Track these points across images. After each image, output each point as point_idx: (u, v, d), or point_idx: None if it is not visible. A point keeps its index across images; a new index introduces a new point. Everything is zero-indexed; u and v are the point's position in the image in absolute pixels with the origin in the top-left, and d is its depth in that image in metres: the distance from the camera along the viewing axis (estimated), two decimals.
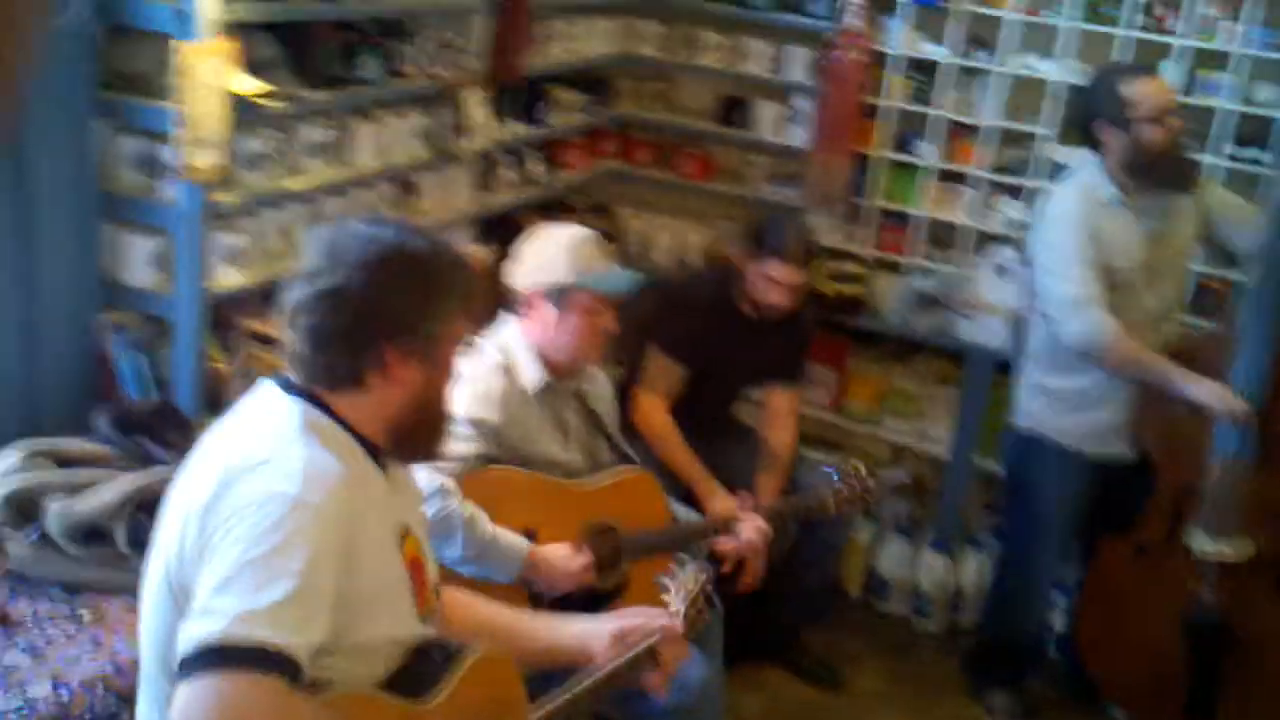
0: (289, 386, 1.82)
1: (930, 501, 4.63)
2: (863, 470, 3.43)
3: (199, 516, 1.66)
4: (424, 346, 1.82)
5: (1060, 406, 3.65)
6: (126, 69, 2.93)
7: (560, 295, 2.83)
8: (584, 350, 2.90)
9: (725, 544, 3.26)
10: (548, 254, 2.86)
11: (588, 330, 2.87)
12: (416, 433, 1.89)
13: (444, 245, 1.89)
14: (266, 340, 3.14)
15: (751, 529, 3.26)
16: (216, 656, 1.51)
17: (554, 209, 4.70)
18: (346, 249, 1.79)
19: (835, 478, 3.40)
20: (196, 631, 1.54)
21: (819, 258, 4.16)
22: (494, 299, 2.98)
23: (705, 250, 5.03)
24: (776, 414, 3.95)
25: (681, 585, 2.33)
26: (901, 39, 4.49)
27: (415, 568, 1.90)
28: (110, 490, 2.62)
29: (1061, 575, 3.94)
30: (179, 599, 1.68)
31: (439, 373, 1.87)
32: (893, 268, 4.71)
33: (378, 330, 1.78)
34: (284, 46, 3.23)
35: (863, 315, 4.60)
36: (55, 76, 2.74)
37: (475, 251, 3.90)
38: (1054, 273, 3.48)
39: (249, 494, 1.64)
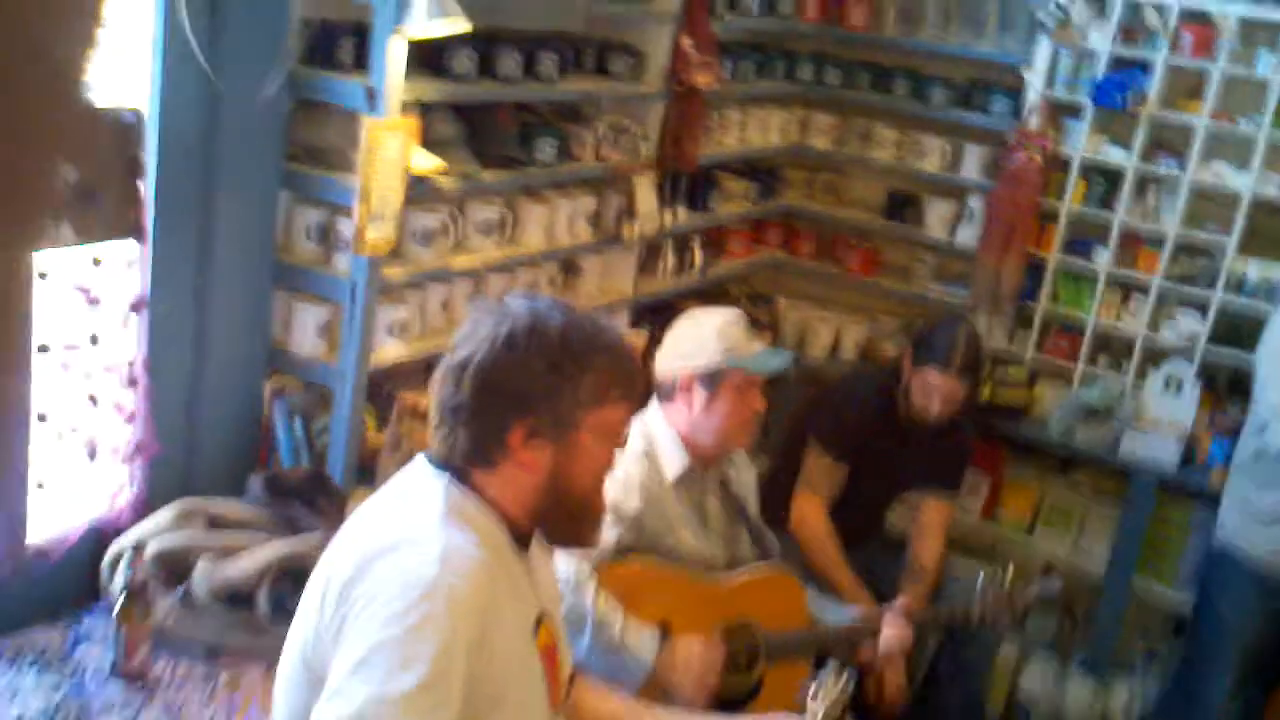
0: (437, 463, 1.80)
1: (1081, 621, 4.45)
2: (1010, 578, 3.28)
3: (337, 594, 1.65)
4: (552, 428, 1.75)
5: (1255, 519, 3.50)
6: (310, 141, 3.00)
7: (711, 377, 2.80)
8: (734, 432, 2.86)
9: (866, 650, 3.14)
10: (698, 337, 2.84)
11: (738, 411, 2.82)
12: (557, 518, 1.83)
13: (588, 326, 1.81)
14: (422, 414, 3.16)
15: (893, 635, 3.12)
16: None
17: (713, 296, 4.68)
18: (484, 323, 1.76)
19: (981, 585, 3.26)
20: (329, 713, 1.53)
21: (985, 367, 4.04)
22: (646, 386, 2.96)
23: (864, 346, 4.95)
24: (928, 523, 3.82)
25: (825, 691, 2.25)
26: (1083, 142, 4.37)
27: (549, 656, 1.85)
28: (257, 555, 2.64)
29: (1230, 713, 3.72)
30: (313, 674, 1.67)
31: (574, 458, 1.79)
32: (1058, 375, 4.57)
33: (502, 407, 1.74)
34: (463, 125, 3.28)
35: (1022, 423, 4.47)
36: (246, 148, 2.82)
37: (629, 336, 3.89)
38: (1271, 377, 3.40)
39: (386, 576, 1.62)
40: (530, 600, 1.83)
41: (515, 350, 1.73)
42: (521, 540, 1.82)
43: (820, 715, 2.19)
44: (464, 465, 1.77)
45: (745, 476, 3.08)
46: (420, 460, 1.83)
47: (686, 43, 3.82)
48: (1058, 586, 3.46)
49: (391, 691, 1.52)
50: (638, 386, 1.87)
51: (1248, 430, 3.58)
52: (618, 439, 1.85)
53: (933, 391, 3.58)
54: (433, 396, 1.80)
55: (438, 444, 1.79)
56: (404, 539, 1.67)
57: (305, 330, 3.04)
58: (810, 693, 2.25)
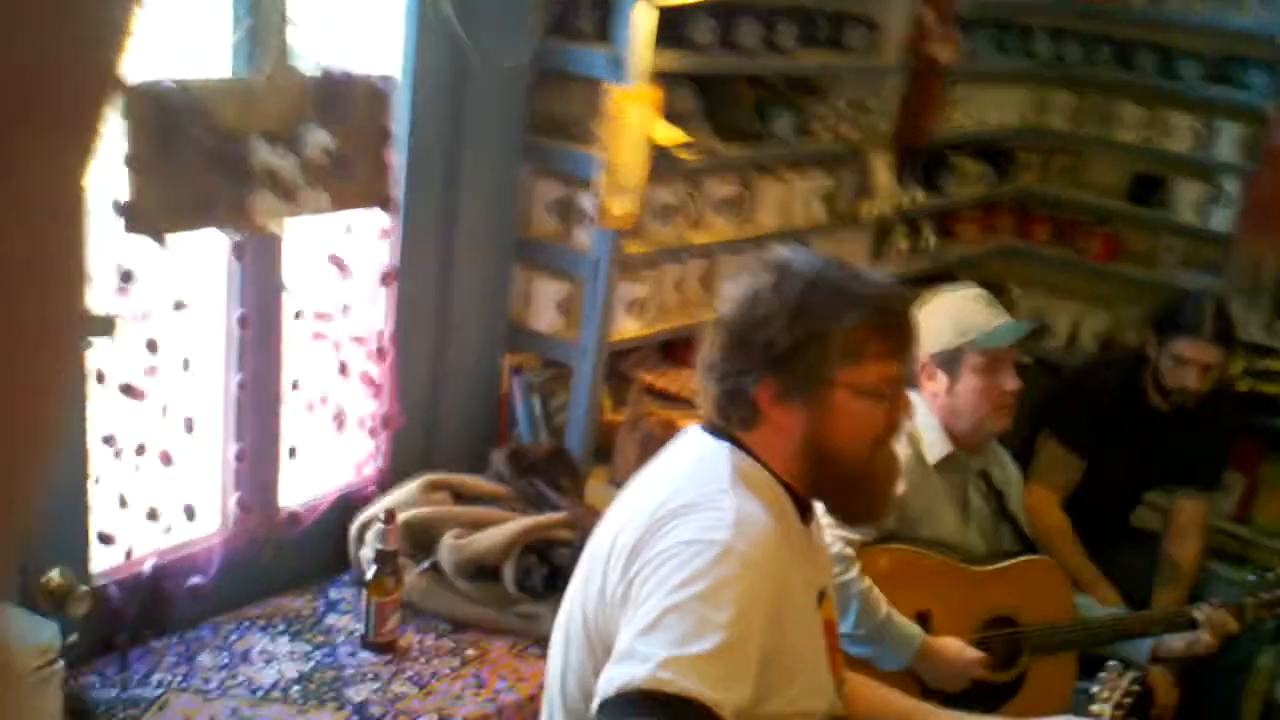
0: (714, 430, 1.71)
1: None
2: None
3: (624, 558, 1.56)
4: (801, 387, 1.63)
5: None
6: (552, 113, 2.96)
7: (950, 360, 2.66)
8: (985, 414, 2.69)
9: (1175, 645, 2.90)
10: (931, 321, 2.69)
11: (985, 392, 2.66)
12: (833, 487, 1.70)
13: (841, 277, 1.66)
14: (659, 394, 3.09)
15: (1221, 629, 2.82)
16: (639, 702, 1.40)
17: (943, 281, 4.50)
18: (743, 280, 1.69)
19: (1254, 584, 2.99)
20: (619, 675, 1.43)
21: (1239, 346, 3.75)
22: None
23: (1105, 336, 4.69)
24: (1183, 523, 3.55)
25: (1113, 692, 2.07)
26: None
27: (830, 633, 1.75)
28: (502, 530, 2.61)
29: None
30: (595, 644, 1.60)
31: (830, 419, 1.64)
32: None
33: (747, 364, 1.64)
34: (700, 98, 3.20)
35: None
36: (491, 119, 2.79)
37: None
38: None
39: (677, 539, 1.52)
40: (814, 572, 1.73)
41: (759, 305, 1.63)
42: (803, 509, 1.71)
43: (1103, 713, 2.03)
44: (729, 429, 1.69)
45: (1009, 474, 2.92)
46: (695, 430, 1.75)
47: (926, 14, 3.67)
48: None
49: (685, 654, 1.41)
50: (903, 340, 1.70)
51: None
52: (887, 396, 1.67)
53: (1187, 364, 3.33)
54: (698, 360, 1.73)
55: (706, 407, 1.72)
56: (694, 502, 1.57)
57: (544, 306, 3.00)
58: (1098, 693, 2.08)
